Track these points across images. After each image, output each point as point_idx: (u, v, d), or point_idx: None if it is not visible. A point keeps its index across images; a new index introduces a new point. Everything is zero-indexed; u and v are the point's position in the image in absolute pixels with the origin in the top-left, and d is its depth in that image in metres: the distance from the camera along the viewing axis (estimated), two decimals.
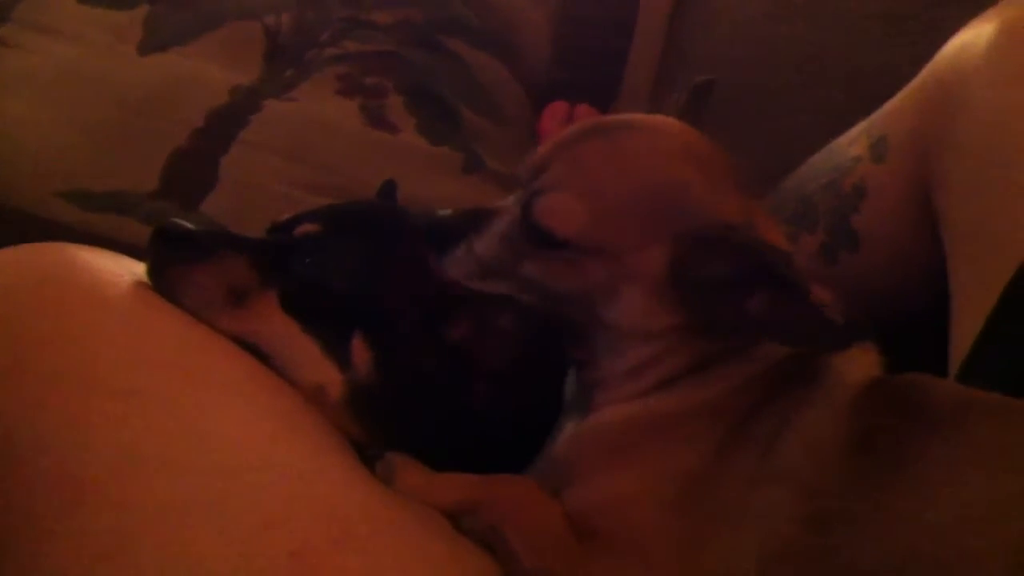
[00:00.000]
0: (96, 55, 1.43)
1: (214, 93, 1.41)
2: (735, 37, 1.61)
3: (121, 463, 0.68)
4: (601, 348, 0.82)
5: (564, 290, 0.81)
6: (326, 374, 0.79)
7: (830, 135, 1.22)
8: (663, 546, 0.72)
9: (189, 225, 0.83)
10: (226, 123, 1.39)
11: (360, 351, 0.79)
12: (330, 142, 1.41)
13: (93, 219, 1.29)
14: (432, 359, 0.81)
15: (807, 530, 0.70)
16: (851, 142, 1.14)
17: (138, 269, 0.82)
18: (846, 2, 1.48)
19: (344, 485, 0.72)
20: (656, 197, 0.79)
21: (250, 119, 1.40)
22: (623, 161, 0.81)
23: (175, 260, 0.80)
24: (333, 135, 1.42)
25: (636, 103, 1.69)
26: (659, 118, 0.87)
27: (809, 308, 0.74)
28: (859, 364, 0.80)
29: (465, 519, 0.74)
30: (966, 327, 0.92)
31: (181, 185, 1.33)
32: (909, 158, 1.04)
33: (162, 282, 0.80)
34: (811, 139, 1.25)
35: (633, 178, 0.80)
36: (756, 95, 1.53)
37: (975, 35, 1.00)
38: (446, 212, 0.87)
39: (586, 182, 0.80)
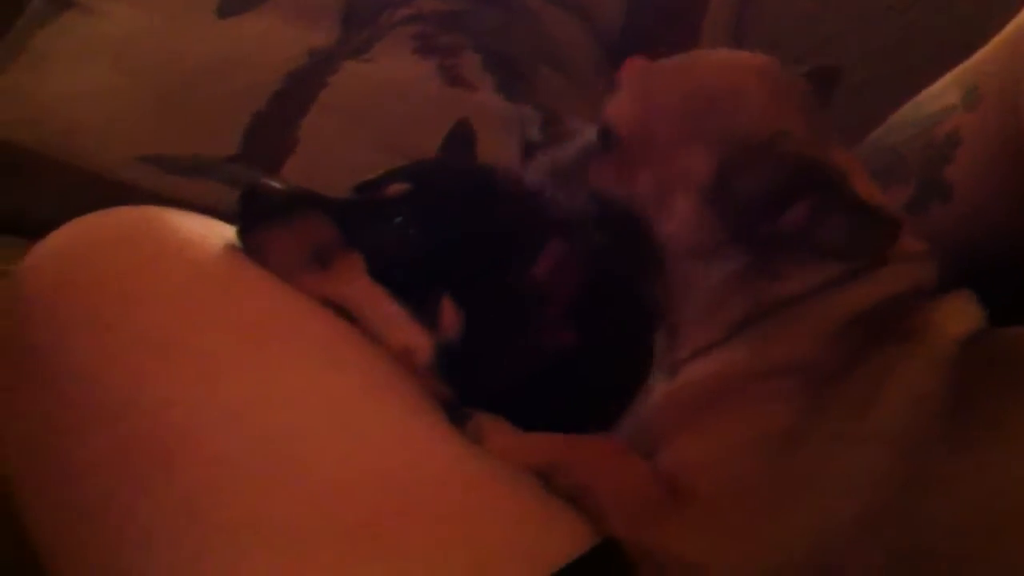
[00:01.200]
0: (174, 19, 1.44)
1: (292, 55, 1.41)
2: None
3: (209, 422, 0.69)
4: (666, 278, 0.82)
5: (620, 196, 0.82)
6: (414, 337, 0.79)
7: (907, 93, 1.18)
8: (756, 506, 0.71)
9: (278, 185, 0.83)
10: (305, 85, 1.39)
11: (449, 313, 0.79)
12: (408, 103, 1.41)
13: (174, 182, 1.30)
14: (522, 314, 0.80)
15: (906, 492, 0.68)
16: (940, 93, 1.11)
17: (226, 231, 0.82)
18: None
19: (428, 447, 0.72)
20: (709, 99, 0.80)
21: (328, 81, 1.40)
22: (691, 69, 0.84)
23: (262, 222, 0.80)
24: (411, 95, 1.41)
25: None
26: (747, 53, 0.87)
27: (854, 207, 0.74)
28: (958, 317, 0.77)
29: (555, 479, 0.74)
30: None
31: (262, 148, 1.33)
32: (1003, 105, 1.01)
33: (250, 243, 0.80)
34: (887, 99, 1.22)
35: (694, 83, 0.82)
36: (828, 51, 1.49)
37: None
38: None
39: (650, 86, 0.84)
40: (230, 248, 0.80)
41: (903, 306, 0.78)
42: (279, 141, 1.34)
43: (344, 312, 0.79)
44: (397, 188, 0.83)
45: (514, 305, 0.80)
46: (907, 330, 0.76)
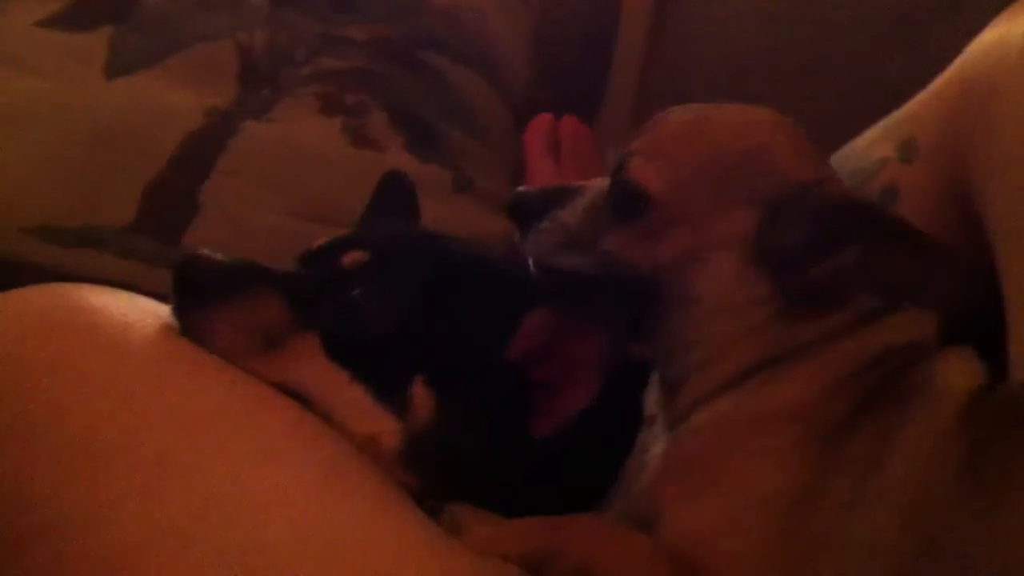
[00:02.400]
0: (58, 81, 1.33)
1: (189, 116, 1.32)
2: (721, 47, 1.57)
3: (154, 541, 0.61)
4: (678, 333, 0.79)
5: (648, 262, 0.78)
6: (380, 423, 0.73)
7: (829, 145, 1.18)
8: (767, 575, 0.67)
9: (217, 256, 0.75)
10: (204, 148, 1.30)
11: (422, 398, 0.72)
12: (315, 165, 1.33)
13: (66, 256, 1.19)
14: (497, 393, 0.74)
15: (924, 558, 0.66)
16: (870, 145, 1.10)
17: (157, 309, 0.74)
18: (836, 10, 1.45)
19: (412, 551, 0.65)
20: (742, 160, 0.79)
21: (228, 143, 1.31)
22: (709, 129, 0.83)
23: (203, 299, 0.72)
24: (317, 157, 1.34)
25: (619, 116, 1.65)
26: (751, 105, 0.87)
27: (916, 248, 0.73)
28: (961, 372, 0.75)
29: (546, 568, 0.68)
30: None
31: (160, 217, 1.24)
32: (942, 159, 1.01)
33: (188, 323, 0.72)
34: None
35: (719, 143, 0.81)
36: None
37: (1006, 32, 0.97)
38: (525, 189, 0.87)
39: (672, 148, 0.81)
40: (165, 330, 0.72)
41: (906, 359, 0.76)
42: (179, 208, 1.25)
43: (299, 398, 0.72)
44: (354, 257, 0.76)
45: (494, 391, 0.74)
46: (912, 385, 0.74)
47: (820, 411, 0.73)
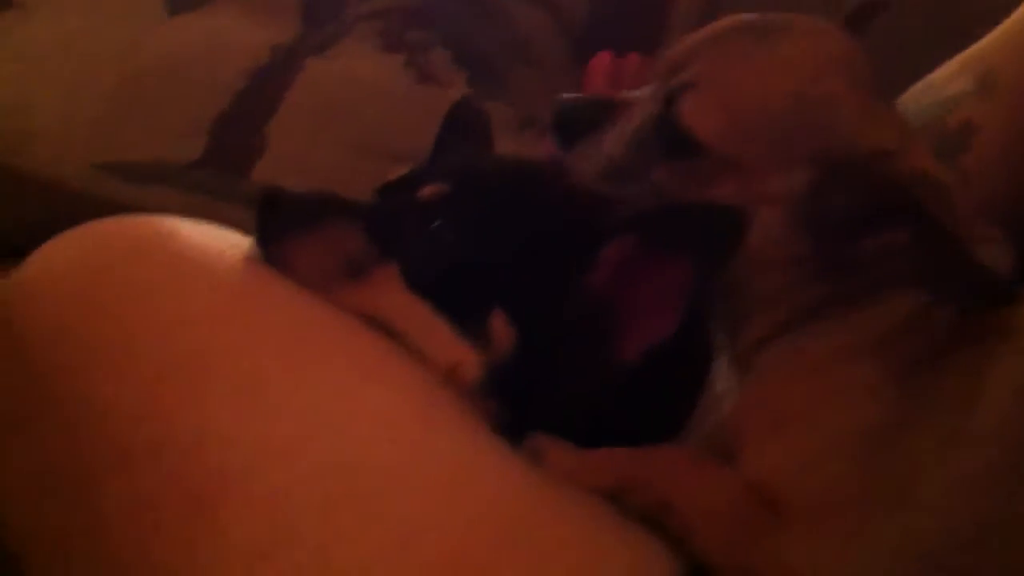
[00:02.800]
0: (120, 17, 1.34)
1: (253, 53, 1.33)
2: None
3: (254, 459, 0.62)
4: (729, 274, 0.75)
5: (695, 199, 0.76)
6: (461, 353, 0.72)
7: (902, 76, 1.16)
8: (856, 511, 0.66)
9: (299, 191, 0.75)
10: (270, 84, 1.31)
11: (501, 329, 0.72)
12: (379, 101, 1.34)
13: (136, 191, 1.21)
14: (579, 321, 0.73)
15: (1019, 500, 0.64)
16: (950, 78, 1.08)
17: (241, 241, 0.74)
18: None
19: (499, 477, 0.66)
20: (805, 112, 0.74)
21: (294, 79, 1.32)
22: (775, 66, 0.76)
23: (286, 231, 0.73)
24: (381, 93, 1.35)
25: None
26: (821, 24, 0.81)
27: (957, 254, 0.69)
28: None
29: (629, 498, 0.69)
30: None
31: (228, 152, 1.25)
32: (1018, 95, 0.99)
33: (273, 255, 0.73)
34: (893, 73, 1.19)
35: (783, 87, 0.75)
36: None
37: None
38: (572, 98, 0.82)
39: (734, 85, 0.75)
40: (252, 261, 0.72)
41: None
42: (246, 144, 1.26)
43: (382, 327, 0.72)
44: (434, 189, 0.75)
45: (575, 319, 0.73)
46: (995, 323, 0.71)
47: (899, 345, 0.71)
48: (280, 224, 0.73)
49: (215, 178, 1.22)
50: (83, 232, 0.73)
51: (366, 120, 1.31)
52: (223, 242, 0.74)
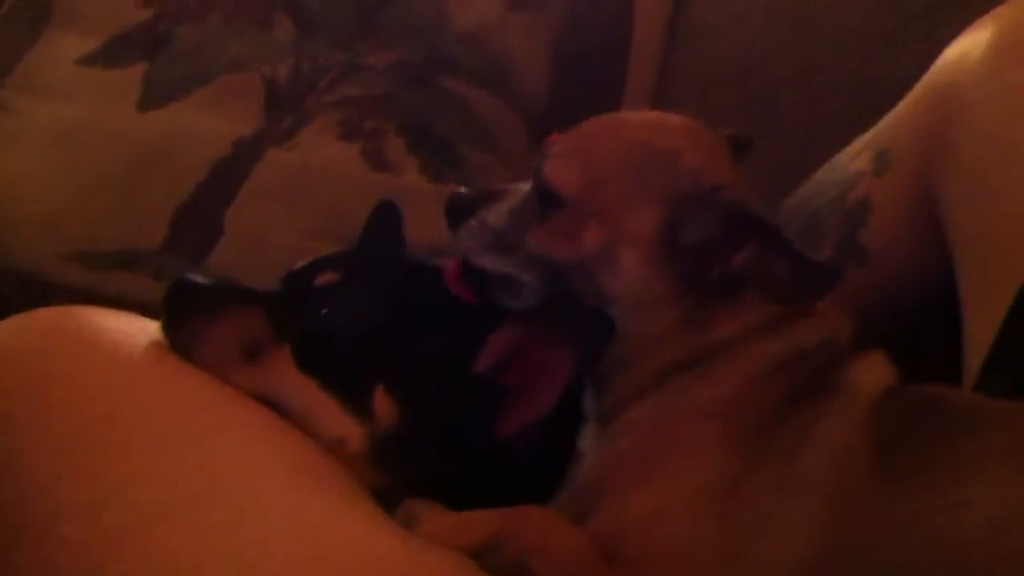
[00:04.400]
0: (95, 114, 1.43)
1: (216, 145, 1.41)
2: (736, 49, 1.60)
3: (146, 519, 0.68)
4: None
5: (565, 259, 0.83)
6: (346, 428, 0.79)
7: (829, 147, 1.21)
8: (697, 563, 0.71)
9: (203, 279, 0.83)
10: (229, 174, 1.39)
11: (383, 403, 0.79)
12: (333, 188, 1.41)
13: (101, 278, 1.30)
14: (460, 400, 0.80)
15: (839, 538, 0.70)
16: (853, 157, 1.13)
17: (151, 328, 0.82)
18: (840, 12, 1.48)
19: (366, 535, 0.72)
20: (649, 160, 0.83)
21: (253, 169, 1.40)
22: (623, 130, 0.88)
23: (188, 316, 0.80)
24: (336, 181, 1.42)
25: None
26: (663, 111, 0.92)
27: (796, 255, 0.77)
28: (872, 373, 0.80)
29: (491, 557, 0.74)
30: (979, 337, 0.92)
31: (188, 239, 1.33)
32: (912, 170, 1.04)
33: (176, 339, 0.80)
34: (810, 153, 1.25)
35: (628, 144, 0.85)
36: (753, 111, 1.53)
37: (972, 42, 0.99)
38: (462, 190, 0.92)
39: (586, 147, 0.86)
40: (156, 345, 0.80)
41: (822, 360, 0.81)
42: (204, 231, 1.34)
43: (274, 405, 0.79)
44: (326, 278, 0.83)
45: (457, 398, 0.81)
46: (827, 384, 0.78)
47: (742, 407, 0.77)
48: (184, 311, 0.80)
49: (175, 264, 1.30)
50: (10, 322, 0.81)
51: (320, 206, 1.39)
52: (135, 329, 0.81)
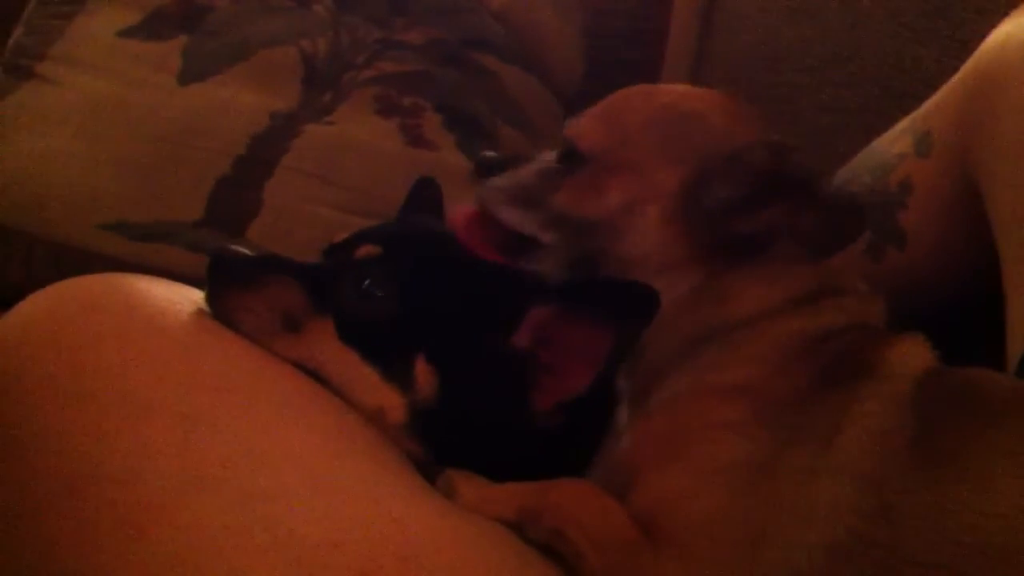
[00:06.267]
0: (135, 87, 1.44)
1: (254, 119, 1.42)
2: (763, 39, 1.60)
3: (184, 488, 0.68)
4: None
5: (589, 216, 0.85)
6: (387, 398, 0.80)
7: (852, 138, 1.21)
8: (730, 540, 0.72)
9: (246, 251, 0.83)
10: (268, 149, 1.39)
11: (424, 374, 0.80)
12: (370, 163, 1.42)
13: (138, 249, 1.30)
14: (499, 373, 0.81)
15: (873, 523, 0.70)
16: (893, 140, 1.13)
17: (195, 296, 0.83)
18: (865, 5, 1.47)
19: (409, 503, 0.72)
20: (675, 120, 0.86)
21: (291, 144, 1.41)
22: (650, 96, 0.90)
23: (231, 286, 0.81)
24: (373, 156, 1.43)
25: None
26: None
27: (822, 209, 0.79)
28: (913, 356, 0.80)
29: (529, 527, 0.75)
30: (1021, 321, 0.91)
31: (226, 212, 1.34)
32: (954, 152, 1.04)
33: (219, 308, 0.81)
34: (842, 138, 1.24)
35: (655, 106, 0.88)
36: (785, 96, 1.53)
37: (1015, 25, 0.99)
38: (493, 153, 0.96)
39: (614, 109, 0.89)
40: (200, 313, 0.80)
41: (853, 341, 0.81)
42: (243, 205, 1.35)
43: (316, 375, 0.80)
44: (367, 250, 0.84)
45: (495, 371, 0.81)
46: (863, 365, 0.78)
47: (773, 386, 0.77)
48: (226, 281, 0.81)
49: (213, 237, 1.31)
50: (54, 288, 0.82)
51: (357, 181, 1.39)
52: (178, 297, 0.82)
